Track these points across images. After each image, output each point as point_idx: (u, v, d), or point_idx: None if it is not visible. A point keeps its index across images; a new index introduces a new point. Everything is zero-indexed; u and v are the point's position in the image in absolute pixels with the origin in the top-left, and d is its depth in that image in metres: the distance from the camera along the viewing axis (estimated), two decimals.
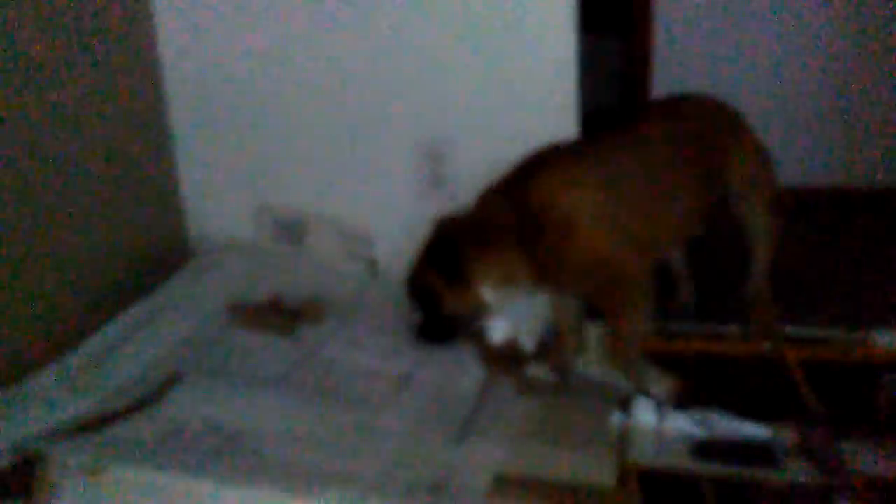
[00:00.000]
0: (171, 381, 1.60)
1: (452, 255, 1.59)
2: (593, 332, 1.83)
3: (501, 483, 1.34)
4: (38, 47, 1.68)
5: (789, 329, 1.89)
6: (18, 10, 1.60)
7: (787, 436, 1.48)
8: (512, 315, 1.80)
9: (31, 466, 1.34)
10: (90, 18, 1.82)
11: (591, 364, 1.78)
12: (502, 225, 1.58)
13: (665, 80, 2.94)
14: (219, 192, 2.18)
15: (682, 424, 1.50)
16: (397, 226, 2.02)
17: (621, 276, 1.58)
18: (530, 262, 1.58)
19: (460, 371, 1.72)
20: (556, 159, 1.63)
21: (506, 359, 1.77)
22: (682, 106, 1.86)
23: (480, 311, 1.66)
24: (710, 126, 1.81)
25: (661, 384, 1.63)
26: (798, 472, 1.38)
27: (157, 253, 2.07)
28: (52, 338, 1.68)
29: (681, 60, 2.97)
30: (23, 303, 1.64)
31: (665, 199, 1.68)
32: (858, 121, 2.95)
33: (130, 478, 1.31)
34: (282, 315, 1.87)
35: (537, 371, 1.74)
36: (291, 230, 2.18)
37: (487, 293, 1.60)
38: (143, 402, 1.53)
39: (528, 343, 1.83)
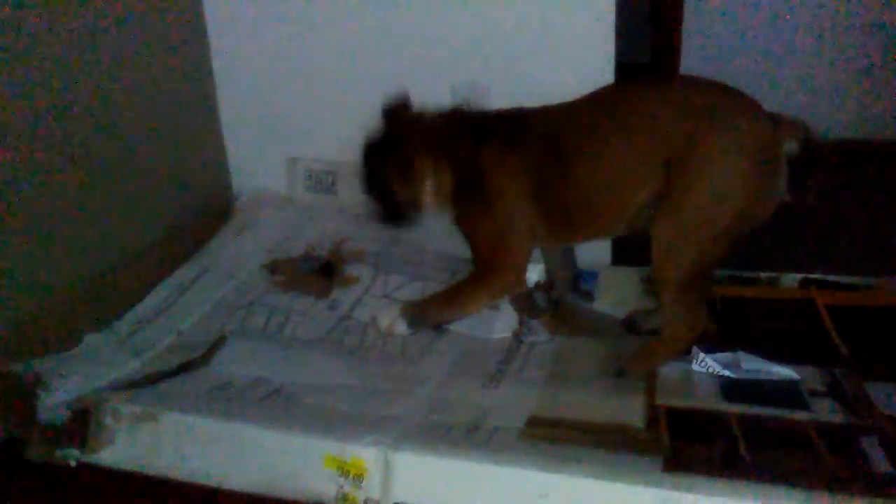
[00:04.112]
0: (218, 343, 1.67)
1: (406, 151, 1.71)
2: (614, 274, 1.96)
3: (533, 423, 1.38)
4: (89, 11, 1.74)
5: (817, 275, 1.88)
6: None
7: (815, 378, 1.48)
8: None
9: (86, 416, 1.41)
10: None
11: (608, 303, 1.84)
12: (456, 151, 1.68)
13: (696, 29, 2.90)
14: (257, 147, 2.26)
15: (711, 365, 1.52)
16: None
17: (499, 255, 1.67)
18: (455, 196, 1.71)
19: (492, 320, 1.76)
20: (506, 129, 1.66)
21: (534, 303, 1.83)
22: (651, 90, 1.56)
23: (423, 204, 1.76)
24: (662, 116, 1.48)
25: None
26: (826, 412, 1.38)
27: (204, 204, 2.19)
28: (103, 294, 1.76)
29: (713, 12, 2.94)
30: (74, 262, 1.72)
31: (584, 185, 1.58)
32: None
33: (180, 424, 1.38)
34: (318, 277, 1.93)
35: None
36: (323, 180, 2.22)
37: (429, 193, 1.73)
38: (193, 364, 1.60)
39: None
